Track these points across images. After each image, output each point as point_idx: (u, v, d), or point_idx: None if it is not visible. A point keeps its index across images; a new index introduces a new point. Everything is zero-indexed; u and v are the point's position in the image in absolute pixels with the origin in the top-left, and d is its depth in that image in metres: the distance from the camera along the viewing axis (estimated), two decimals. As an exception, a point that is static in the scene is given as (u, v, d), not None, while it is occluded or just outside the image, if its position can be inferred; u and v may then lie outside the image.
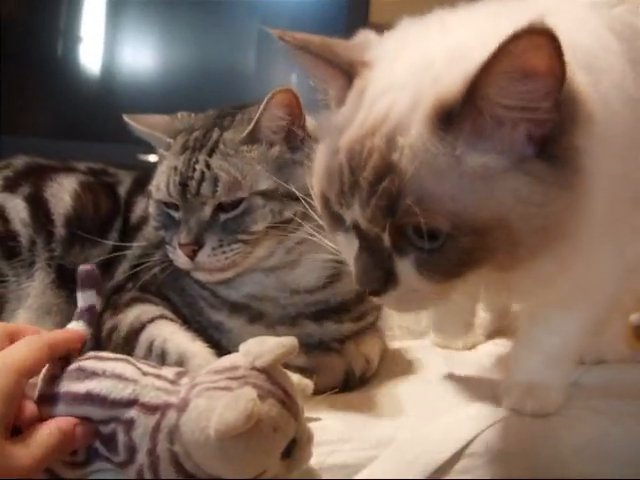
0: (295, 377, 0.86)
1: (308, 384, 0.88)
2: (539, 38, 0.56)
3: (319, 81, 0.77)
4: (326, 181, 0.72)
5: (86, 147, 2.28)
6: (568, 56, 0.59)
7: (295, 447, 0.75)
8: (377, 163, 0.65)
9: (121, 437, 0.74)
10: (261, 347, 0.76)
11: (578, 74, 0.63)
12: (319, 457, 0.83)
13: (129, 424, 0.74)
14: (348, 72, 0.73)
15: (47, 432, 0.72)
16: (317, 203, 0.79)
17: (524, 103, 0.61)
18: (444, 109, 0.63)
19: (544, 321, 0.98)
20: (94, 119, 2.45)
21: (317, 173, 0.76)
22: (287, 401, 0.74)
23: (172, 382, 0.77)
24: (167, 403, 0.74)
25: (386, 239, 0.68)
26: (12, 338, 0.77)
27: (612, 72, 0.70)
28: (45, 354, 0.75)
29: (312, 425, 0.82)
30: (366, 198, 0.66)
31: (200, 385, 0.74)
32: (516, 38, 0.56)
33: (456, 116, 0.62)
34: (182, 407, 0.73)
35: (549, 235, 0.65)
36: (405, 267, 0.68)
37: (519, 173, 0.63)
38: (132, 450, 0.74)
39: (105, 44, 2.61)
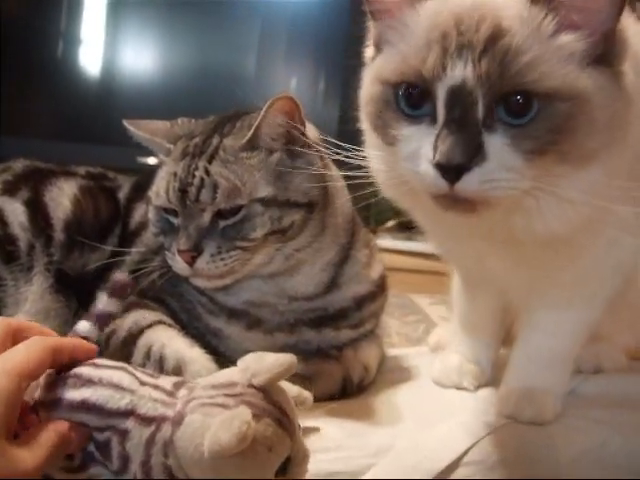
0: (294, 389, 0.86)
1: (307, 397, 0.87)
2: None
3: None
4: (419, 55, 0.74)
5: (86, 149, 2.28)
6: None
7: (290, 465, 0.74)
8: (491, 26, 0.71)
9: (115, 446, 0.74)
10: (259, 364, 0.75)
11: None
12: (317, 465, 0.83)
13: (124, 434, 0.74)
14: None
15: (47, 435, 0.72)
16: (373, 99, 0.81)
17: (593, 15, 0.71)
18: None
19: (540, 324, 1.01)
20: (94, 121, 2.46)
21: (397, 65, 0.78)
22: (283, 420, 0.73)
23: (169, 394, 0.77)
24: (163, 416, 0.74)
25: (480, 109, 0.71)
26: (15, 336, 0.77)
27: None
28: (48, 358, 0.74)
29: (310, 432, 0.82)
30: (479, 56, 0.70)
31: (196, 400, 0.74)
32: None
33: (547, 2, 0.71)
34: (177, 421, 0.72)
35: (612, 131, 0.73)
36: (495, 140, 0.71)
37: (597, 70, 0.72)
38: (125, 460, 0.74)
39: (105, 46, 2.62)
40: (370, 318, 1.15)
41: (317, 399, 0.92)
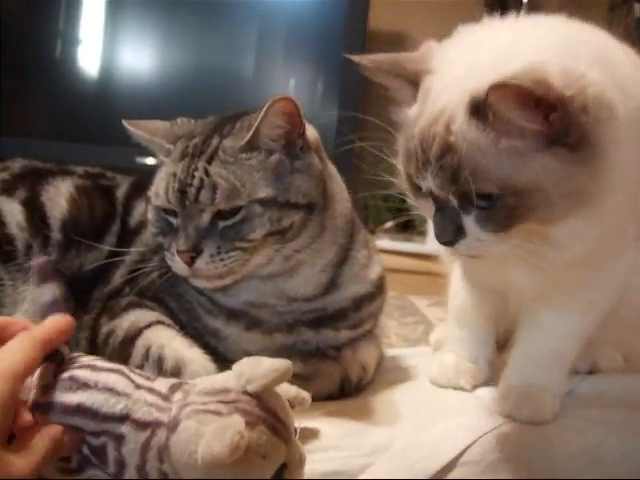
0: (292, 390, 0.86)
1: (306, 397, 0.87)
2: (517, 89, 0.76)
3: (392, 90, 0.96)
4: (406, 161, 0.91)
5: (84, 149, 2.28)
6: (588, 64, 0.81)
7: (285, 470, 0.74)
8: (440, 144, 0.83)
9: (111, 451, 0.74)
10: (254, 370, 0.75)
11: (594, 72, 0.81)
12: (314, 464, 0.83)
13: (119, 439, 0.73)
14: (414, 81, 0.91)
15: (40, 440, 0.72)
16: (403, 179, 0.95)
17: (524, 123, 0.80)
18: (475, 104, 0.81)
19: (541, 325, 1.03)
20: (92, 121, 2.46)
21: (400, 156, 0.94)
22: (277, 426, 0.73)
23: (164, 397, 0.76)
24: (158, 421, 0.73)
25: (453, 201, 0.85)
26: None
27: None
28: (39, 352, 0.74)
29: (307, 432, 0.82)
30: (435, 171, 0.84)
31: (191, 406, 0.73)
32: (512, 83, 0.76)
33: (482, 110, 0.80)
34: (172, 427, 0.72)
35: (575, 200, 0.82)
36: (469, 222, 0.85)
37: (546, 154, 0.80)
38: (121, 465, 0.74)
39: (104, 46, 2.61)
40: (369, 318, 1.15)
41: (315, 399, 0.92)
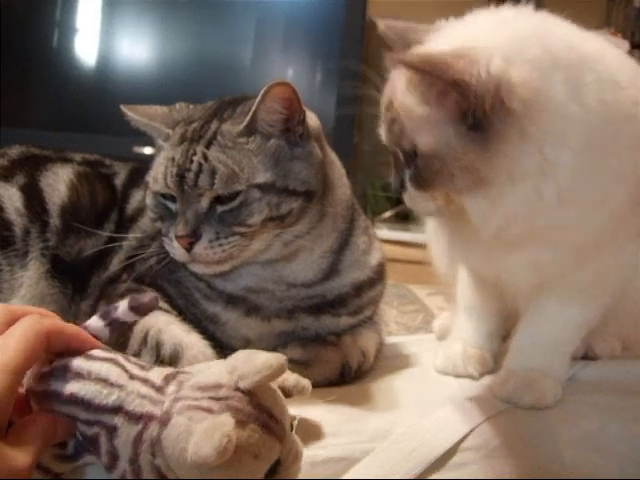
0: (292, 378, 0.85)
1: (306, 385, 0.86)
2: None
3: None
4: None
5: (82, 139, 2.27)
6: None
7: (279, 468, 0.73)
8: (387, 104, 0.94)
9: (103, 442, 0.73)
10: (247, 366, 0.73)
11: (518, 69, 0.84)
12: (314, 450, 0.83)
13: (112, 431, 0.73)
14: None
15: (35, 431, 0.71)
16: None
17: (433, 97, 0.87)
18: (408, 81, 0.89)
19: (544, 313, 1.04)
20: (90, 111, 2.45)
21: None
22: (270, 424, 0.72)
23: (158, 389, 0.75)
24: (150, 414, 0.72)
25: (401, 157, 0.94)
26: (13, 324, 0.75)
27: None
28: (41, 344, 0.73)
29: (307, 419, 0.82)
30: (386, 129, 0.95)
31: (183, 400, 0.72)
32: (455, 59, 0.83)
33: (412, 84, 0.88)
34: (164, 421, 0.71)
35: (472, 178, 0.87)
36: (407, 177, 0.94)
37: (449, 128, 0.86)
38: (114, 456, 0.73)
39: (101, 36, 2.61)
40: (369, 305, 1.15)
41: (315, 385, 0.91)
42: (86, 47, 2.61)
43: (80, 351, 0.78)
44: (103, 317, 0.84)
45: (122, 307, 0.84)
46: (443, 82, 0.83)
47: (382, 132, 0.97)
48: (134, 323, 0.98)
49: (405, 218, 2.45)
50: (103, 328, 0.83)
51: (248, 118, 0.98)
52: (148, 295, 0.85)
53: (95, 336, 0.82)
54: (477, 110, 0.83)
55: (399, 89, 0.91)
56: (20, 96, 2.53)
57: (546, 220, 0.90)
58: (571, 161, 0.87)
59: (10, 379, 0.68)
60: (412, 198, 0.95)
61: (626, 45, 2.66)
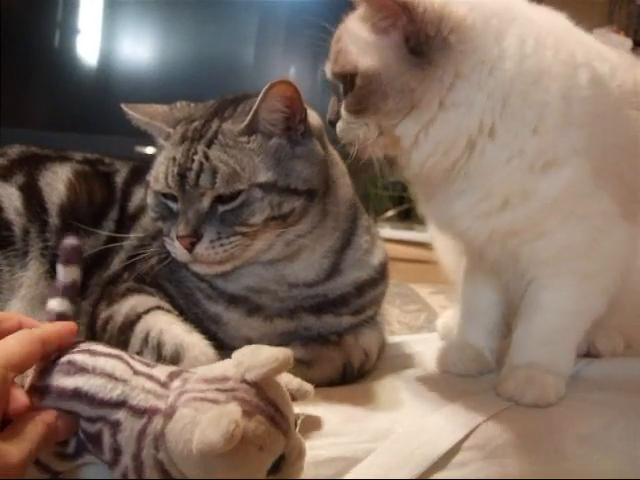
0: (295, 382, 0.85)
1: (308, 390, 0.86)
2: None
3: None
4: None
5: (83, 139, 2.27)
6: None
7: (284, 463, 0.72)
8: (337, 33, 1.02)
9: (107, 438, 0.73)
10: (254, 359, 0.73)
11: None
12: (317, 450, 0.82)
13: (115, 426, 0.72)
14: None
15: (34, 427, 0.71)
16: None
17: (378, 19, 0.94)
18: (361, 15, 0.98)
19: (539, 300, 1.04)
20: (91, 111, 2.45)
21: None
22: (276, 417, 0.72)
23: (163, 385, 0.75)
24: (155, 408, 0.72)
25: (341, 87, 0.99)
26: None
27: None
28: (37, 349, 0.73)
29: (309, 418, 0.81)
30: (334, 62, 0.99)
31: (188, 393, 0.72)
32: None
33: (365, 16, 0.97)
34: (169, 414, 0.71)
35: (406, 99, 0.93)
36: (343, 105, 0.99)
37: (392, 52, 0.93)
38: (117, 452, 0.72)
39: (103, 36, 2.60)
40: (371, 305, 1.14)
41: (317, 384, 0.91)
42: (88, 47, 2.61)
43: (69, 342, 0.78)
44: (54, 294, 0.84)
45: (60, 272, 0.85)
46: (396, 4, 0.91)
47: (327, 67, 1.02)
48: (137, 320, 1.00)
49: (407, 217, 2.45)
50: (62, 301, 0.83)
51: (249, 117, 0.98)
52: (66, 240, 0.86)
53: (62, 314, 0.83)
54: (420, 35, 0.91)
55: (349, 23, 0.99)
56: (22, 96, 2.52)
57: (471, 158, 0.97)
58: (489, 103, 0.95)
59: (4, 373, 0.68)
60: (345, 125, 0.99)
61: (629, 43, 2.65)
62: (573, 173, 0.96)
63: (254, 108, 0.97)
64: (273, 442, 0.70)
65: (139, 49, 2.65)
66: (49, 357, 0.77)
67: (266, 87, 0.95)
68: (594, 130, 0.97)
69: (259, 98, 0.96)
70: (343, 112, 0.99)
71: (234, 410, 0.67)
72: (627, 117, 1.02)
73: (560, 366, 1.03)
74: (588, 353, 1.18)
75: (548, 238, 1.00)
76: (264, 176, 0.97)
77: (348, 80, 0.97)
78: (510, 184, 0.97)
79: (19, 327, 0.78)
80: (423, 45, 0.92)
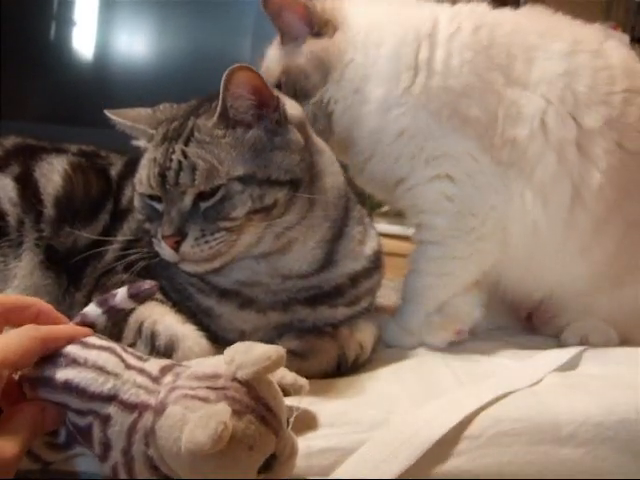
0: (290, 377, 0.85)
1: (303, 385, 0.86)
2: None
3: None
4: None
5: (79, 132, 2.25)
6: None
7: (275, 462, 0.72)
8: None
9: (96, 432, 0.73)
10: (246, 356, 0.72)
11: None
12: (311, 441, 0.82)
13: (105, 420, 0.72)
14: None
15: (23, 420, 0.71)
16: None
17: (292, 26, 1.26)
18: None
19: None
20: (87, 104, 2.42)
21: None
22: (267, 416, 0.71)
23: (154, 379, 0.75)
24: (145, 403, 0.72)
25: None
26: (8, 315, 0.76)
27: None
28: (36, 349, 0.73)
29: (303, 409, 0.81)
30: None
31: (179, 390, 0.72)
32: None
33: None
34: (159, 411, 0.70)
35: (323, 71, 1.25)
36: None
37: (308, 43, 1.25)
38: (107, 447, 0.72)
39: (99, 28, 2.60)
40: (366, 295, 1.14)
41: (311, 376, 0.91)
42: (84, 40, 2.60)
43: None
44: (100, 304, 0.83)
45: (120, 294, 0.83)
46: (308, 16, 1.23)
47: None
48: (131, 311, 0.98)
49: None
50: (100, 315, 0.83)
51: (218, 108, 0.97)
52: (148, 282, 0.84)
53: (91, 324, 0.82)
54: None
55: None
56: (18, 89, 2.51)
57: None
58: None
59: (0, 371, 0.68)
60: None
61: (626, 39, 2.66)
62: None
63: (220, 98, 0.97)
64: (263, 442, 0.70)
65: (135, 42, 2.64)
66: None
67: (225, 75, 0.94)
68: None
69: (221, 87, 0.95)
70: None
71: (223, 411, 0.66)
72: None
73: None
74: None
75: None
76: (242, 169, 0.96)
77: None
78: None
79: (36, 318, 0.78)
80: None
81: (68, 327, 0.80)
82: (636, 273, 1.23)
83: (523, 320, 1.39)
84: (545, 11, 1.25)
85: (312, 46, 1.23)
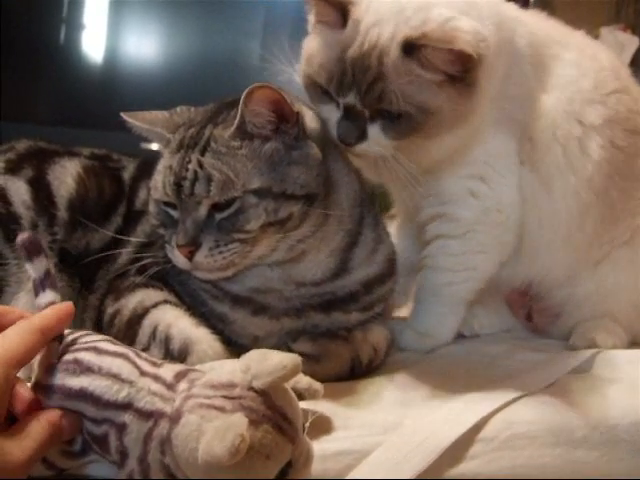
0: (305, 381, 0.85)
1: (318, 389, 0.86)
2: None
3: (314, 13, 1.14)
4: (325, 76, 1.09)
5: (88, 135, 2.27)
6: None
7: (291, 469, 0.72)
8: (373, 73, 1.05)
9: (113, 440, 0.73)
10: (261, 365, 0.72)
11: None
12: (325, 443, 0.83)
13: (121, 428, 0.72)
14: (340, 8, 1.08)
15: (38, 426, 0.71)
16: (304, 82, 1.14)
17: (442, 67, 1.04)
18: (408, 46, 1.03)
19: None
20: (96, 107, 2.44)
21: (313, 67, 1.11)
22: (283, 425, 0.71)
23: (169, 386, 0.75)
24: (161, 411, 0.72)
25: (366, 113, 1.08)
26: None
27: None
28: (38, 341, 0.73)
29: (318, 411, 0.81)
30: (363, 92, 1.06)
31: (195, 398, 0.71)
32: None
33: (414, 52, 1.03)
34: (175, 419, 0.70)
35: (455, 121, 1.09)
36: (374, 129, 1.08)
37: (450, 88, 1.05)
38: (123, 455, 0.72)
39: (108, 31, 2.60)
40: (379, 301, 1.14)
41: (325, 380, 0.91)
42: (93, 43, 2.61)
43: (68, 322, 0.78)
44: (36, 291, 0.82)
45: (29, 269, 0.82)
46: (457, 56, 1.02)
47: (350, 93, 1.07)
48: (145, 315, 1.00)
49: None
50: (46, 293, 0.82)
51: (236, 122, 0.97)
52: (19, 237, 0.82)
53: (52, 303, 0.81)
54: (473, 74, 1.04)
55: (392, 61, 1.04)
56: (27, 92, 2.52)
57: None
58: None
59: (4, 371, 0.68)
60: (371, 147, 1.09)
61: (636, 40, 2.65)
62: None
63: (238, 114, 0.96)
64: (280, 451, 0.70)
65: (145, 45, 2.65)
66: (52, 343, 0.76)
67: (245, 93, 0.93)
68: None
69: (240, 104, 0.95)
70: (379, 137, 1.08)
71: (240, 422, 0.66)
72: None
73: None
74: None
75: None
76: (258, 182, 0.96)
77: (397, 115, 1.06)
78: None
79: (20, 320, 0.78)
80: (473, 79, 1.05)
81: (49, 309, 0.79)
82: (606, 247, 1.29)
83: (523, 320, 1.39)
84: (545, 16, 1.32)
85: None
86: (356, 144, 1.09)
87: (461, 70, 1.04)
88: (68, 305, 0.80)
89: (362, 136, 1.09)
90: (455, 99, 1.06)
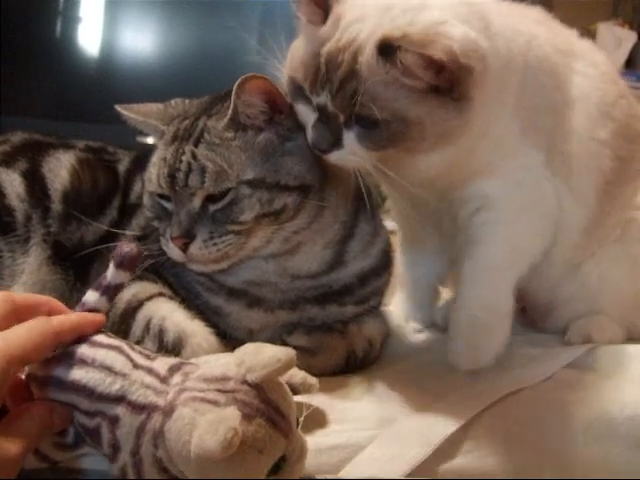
0: (299, 376, 0.84)
1: (313, 384, 0.85)
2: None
3: (302, 12, 1.01)
4: (302, 73, 0.97)
5: (84, 128, 2.25)
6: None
7: (284, 464, 0.71)
8: (346, 70, 0.92)
9: (105, 433, 0.72)
10: (256, 359, 0.72)
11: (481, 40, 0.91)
12: (319, 437, 0.82)
13: (114, 421, 0.72)
14: (324, 6, 0.98)
15: (29, 421, 0.71)
16: (286, 83, 1.02)
17: (423, 74, 0.90)
18: (384, 45, 0.90)
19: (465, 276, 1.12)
20: (92, 100, 2.44)
21: (293, 64, 1.00)
22: (277, 419, 0.71)
23: (162, 379, 0.74)
24: (154, 405, 0.71)
25: (341, 118, 0.95)
26: (20, 315, 0.74)
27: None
28: (49, 342, 0.72)
29: (313, 405, 0.81)
30: (334, 91, 0.94)
31: (188, 392, 0.71)
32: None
33: (390, 53, 0.89)
34: (168, 412, 0.70)
35: (441, 139, 0.96)
36: (350, 137, 0.96)
37: (434, 99, 0.92)
38: (116, 448, 0.72)
39: (104, 25, 2.60)
40: (374, 294, 1.14)
41: (320, 373, 0.91)
42: (89, 36, 2.60)
43: (91, 334, 0.77)
44: (96, 288, 0.82)
45: (110, 271, 0.83)
46: (443, 64, 0.89)
47: (329, 100, 0.96)
48: (139, 306, 1.00)
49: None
50: (99, 298, 0.82)
51: (229, 113, 0.97)
52: (127, 245, 0.83)
53: (95, 309, 0.81)
54: (463, 86, 0.92)
55: (366, 60, 0.92)
56: (23, 85, 2.52)
57: None
58: None
59: (3, 366, 0.67)
60: (346, 156, 0.98)
61: (633, 36, 2.65)
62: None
63: (231, 104, 0.96)
64: (273, 445, 0.69)
65: (141, 38, 2.65)
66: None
67: (237, 83, 0.93)
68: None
69: (233, 95, 0.95)
70: (354, 146, 0.96)
71: (233, 416, 0.66)
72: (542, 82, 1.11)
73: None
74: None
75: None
76: (251, 173, 0.96)
77: (372, 121, 0.94)
78: None
79: (48, 316, 0.77)
80: (462, 92, 0.93)
81: (78, 315, 0.79)
82: (594, 246, 1.26)
83: (518, 313, 1.39)
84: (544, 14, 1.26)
85: None
86: (330, 152, 0.97)
87: (447, 81, 0.91)
88: (99, 317, 0.80)
89: (337, 143, 0.97)
90: (439, 113, 0.93)
